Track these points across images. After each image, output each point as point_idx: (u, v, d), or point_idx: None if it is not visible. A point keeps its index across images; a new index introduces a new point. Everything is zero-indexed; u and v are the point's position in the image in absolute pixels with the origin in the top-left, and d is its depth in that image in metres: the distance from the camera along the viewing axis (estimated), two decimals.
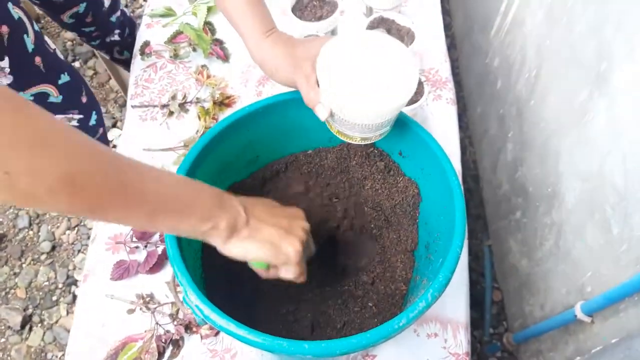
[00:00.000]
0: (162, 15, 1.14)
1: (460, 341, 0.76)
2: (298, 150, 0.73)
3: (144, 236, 0.83)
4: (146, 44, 1.08)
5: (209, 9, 1.12)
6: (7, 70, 0.87)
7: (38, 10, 2.01)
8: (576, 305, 0.90)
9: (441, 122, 0.97)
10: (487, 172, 1.47)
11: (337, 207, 0.74)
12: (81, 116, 1.08)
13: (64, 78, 1.01)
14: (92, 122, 1.12)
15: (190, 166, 0.58)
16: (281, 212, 0.59)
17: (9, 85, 0.90)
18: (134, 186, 0.44)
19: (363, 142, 0.61)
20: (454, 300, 0.78)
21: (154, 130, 0.98)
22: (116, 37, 1.36)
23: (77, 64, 1.88)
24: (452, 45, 1.80)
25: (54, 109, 1.02)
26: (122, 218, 0.44)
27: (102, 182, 0.40)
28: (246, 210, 0.54)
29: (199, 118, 0.96)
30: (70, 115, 1.06)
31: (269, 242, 0.54)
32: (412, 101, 0.88)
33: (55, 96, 0.99)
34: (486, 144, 1.48)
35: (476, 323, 1.34)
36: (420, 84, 0.91)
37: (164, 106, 1.00)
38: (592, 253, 0.89)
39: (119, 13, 1.34)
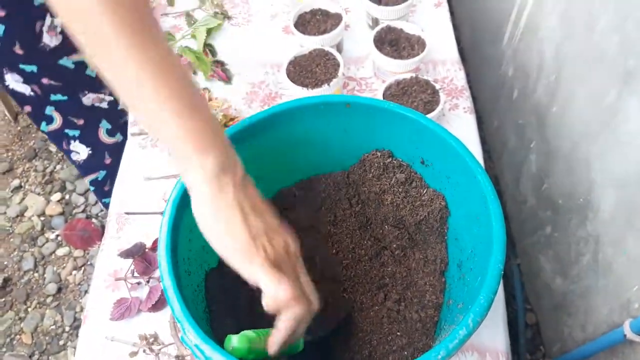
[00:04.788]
0: None
1: None
2: (306, 165, 0.66)
3: (146, 271, 0.76)
4: None
5: (209, 31, 1.08)
6: (59, 29, 0.87)
7: None
8: (625, 324, 0.82)
9: (460, 132, 0.90)
10: (510, 187, 1.40)
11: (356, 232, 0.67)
12: (111, 98, 1.06)
13: None
14: (121, 105, 1.10)
15: (182, 194, 0.52)
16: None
17: (57, 47, 0.90)
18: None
19: None
20: (491, 325, 0.70)
21: (155, 158, 0.92)
22: None
23: None
24: (462, 59, 1.75)
25: (89, 83, 1.00)
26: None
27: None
28: (236, 184, 0.45)
29: None
30: (102, 96, 1.03)
31: (244, 231, 0.44)
32: (428, 110, 0.82)
33: (92, 69, 0.97)
34: (506, 158, 1.41)
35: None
36: (435, 92, 0.85)
37: None
38: (636, 265, 0.81)
39: None
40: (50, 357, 1.38)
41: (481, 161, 0.87)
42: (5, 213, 1.61)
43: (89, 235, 0.83)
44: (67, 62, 0.90)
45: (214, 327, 0.55)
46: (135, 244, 0.77)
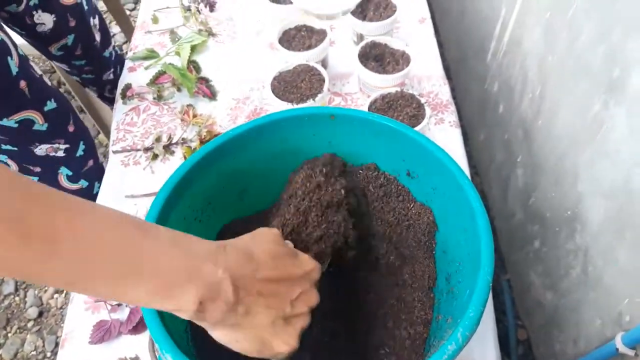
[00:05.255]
0: (145, 58, 1.09)
1: None
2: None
3: None
4: (128, 86, 1.03)
5: (193, 48, 1.07)
6: None
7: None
8: (616, 337, 0.80)
9: (446, 146, 0.89)
10: (497, 202, 1.39)
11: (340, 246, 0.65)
12: (67, 146, 1.02)
13: (50, 105, 0.95)
14: (80, 152, 1.05)
15: (164, 203, 0.50)
16: (290, 264, 0.45)
17: None
18: (53, 228, 0.32)
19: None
20: (481, 341, 0.68)
21: (137, 175, 0.90)
22: (111, 76, 1.32)
23: None
24: (447, 75, 1.76)
25: (39, 137, 0.96)
26: (38, 274, 0.33)
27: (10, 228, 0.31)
28: (234, 280, 0.40)
29: (185, 159, 0.89)
30: (57, 145, 0.99)
31: (258, 337, 0.43)
32: (414, 124, 0.82)
33: (40, 124, 0.93)
34: (493, 173, 1.40)
35: None
36: (421, 106, 0.84)
37: (147, 149, 0.93)
38: (627, 277, 0.80)
39: (111, 48, 1.30)
40: None
41: (468, 171, 0.86)
42: None
43: None
44: (8, 122, 0.88)
45: (196, 346, 0.53)
46: None
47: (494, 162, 1.38)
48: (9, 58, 0.83)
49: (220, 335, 0.42)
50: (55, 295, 1.46)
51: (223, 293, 0.39)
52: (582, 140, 0.89)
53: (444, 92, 0.98)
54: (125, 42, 2.04)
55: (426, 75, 1.00)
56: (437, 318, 0.57)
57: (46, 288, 1.47)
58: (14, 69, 0.84)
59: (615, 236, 0.82)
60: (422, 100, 0.85)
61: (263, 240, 0.45)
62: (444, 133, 0.91)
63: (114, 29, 2.01)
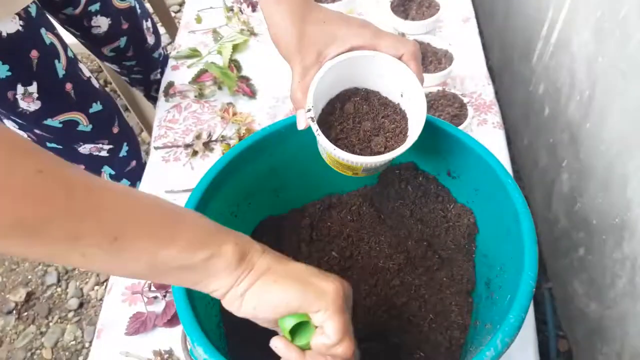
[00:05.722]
0: (187, 57, 1.11)
1: None
2: (328, 177, 0.64)
3: (163, 285, 0.74)
4: (170, 84, 1.04)
5: (235, 47, 1.08)
6: (36, 95, 0.85)
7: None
8: None
9: (489, 148, 0.87)
10: (541, 208, 1.35)
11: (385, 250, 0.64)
12: (111, 146, 1.04)
13: (96, 107, 0.97)
14: (123, 153, 1.08)
15: (201, 195, 0.50)
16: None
17: (37, 110, 0.87)
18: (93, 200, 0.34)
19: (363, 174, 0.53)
20: (521, 350, 0.66)
21: (177, 171, 0.92)
22: (158, 76, 1.35)
23: None
24: (490, 78, 1.72)
25: (83, 137, 0.98)
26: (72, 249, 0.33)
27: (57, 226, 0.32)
28: (264, 250, 0.42)
29: None
30: (100, 145, 1.02)
31: (297, 280, 0.41)
32: (456, 124, 0.80)
33: (84, 125, 0.96)
34: (537, 177, 1.36)
35: None
36: (463, 105, 0.82)
37: (187, 146, 0.94)
38: None
39: (160, 49, 1.33)
40: None
41: (512, 174, 0.83)
42: None
43: None
44: (52, 122, 0.91)
45: (229, 342, 0.53)
46: None
47: (538, 167, 1.34)
48: (56, 61, 0.85)
49: (249, 298, 0.40)
50: (96, 287, 1.50)
51: (255, 251, 0.41)
52: (633, 145, 0.85)
53: (488, 92, 0.95)
54: (169, 43, 2.08)
55: (469, 75, 0.98)
56: (474, 323, 0.55)
57: (87, 280, 1.51)
58: (61, 72, 0.87)
59: None
60: (465, 100, 0.83)
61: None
62: (487, 134, 0.89)
63: (160, 30, 2.05)
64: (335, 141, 0.50)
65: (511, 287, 0.44)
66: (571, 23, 1.08)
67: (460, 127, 0.79)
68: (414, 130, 0.48)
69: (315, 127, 0.47)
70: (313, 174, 0.62)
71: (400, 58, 0.48)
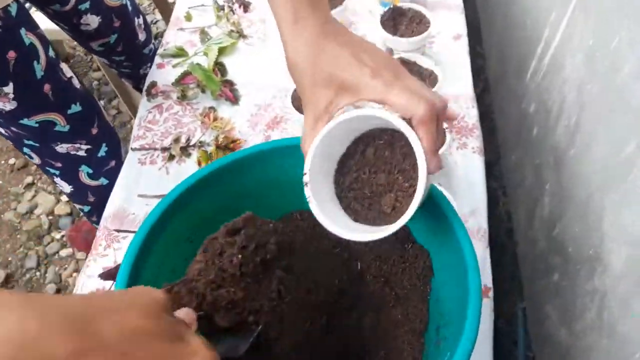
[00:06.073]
0: (173, 56, 1.09)
1: None
2: (293, 208, 0.64)
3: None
4: (153, 84, 1.03)
5: (221, 50, 1.07)
6: (11, 96, 0.84)
7: (68, 50, 2.03)
8: None
9: (467, 173, 0.87)
10: (522, 226, 1.34)
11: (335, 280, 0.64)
12: (89, 147, 1.04)
13: (75, 108, 0.97)
14: (102, 153, 1.08)
15: (150, 228, 0.49)
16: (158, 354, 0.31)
17: (13, 110, 0.87)
18: None
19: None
20: None
21: (152, 175, 0.91)
22: (147, 71, 1.34)
23: (101, 103, 1.87)
24: (486, 89, 1.71)
25: (60, 137, 0.98)
26: None
27: None
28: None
29: (199, 164, 0.89)
30: (78, 145, 1.01)
31: None
32: None
33: (62, 125, 0.96)
34: (522, 195, 1.35)
35: None
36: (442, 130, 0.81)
37: (164, 149, 0.94)
38: None
39: (151, 45, 1.31)
40: None
41: (484, 207, 0.83)
42: (15, 209, 1.63)
43: (92, 238, 0.83)
44: (29, 122, 0.90)
45: None
46: (117, 264, 0.75)
47: (524, 185, 1.33)
48: (34, 62, 0.85)
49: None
50: (74, 274, 1.50)
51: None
52: (611, 180, 0.84)
53: (471, 115, 0.94)
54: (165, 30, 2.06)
55: (454, 95, 0.97)
56: None
57: (66, 265, 1.52)
58: (39, 73, 0.86)
59: (636, 285, 0.77)
60: (444, 125, 0.82)
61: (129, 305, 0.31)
62: (465, 159, 0.88)
63: (157, 16, 2.03)
64: (348, 190, 0.50)
65: (451, 344, 0.43)
66: (565, 45, 1.07)
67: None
68: (412, 205, 0.45)
69: (308, 194, 0.47)
70: (273, 203, 0.62)
71: (409, 120, 0.44)
